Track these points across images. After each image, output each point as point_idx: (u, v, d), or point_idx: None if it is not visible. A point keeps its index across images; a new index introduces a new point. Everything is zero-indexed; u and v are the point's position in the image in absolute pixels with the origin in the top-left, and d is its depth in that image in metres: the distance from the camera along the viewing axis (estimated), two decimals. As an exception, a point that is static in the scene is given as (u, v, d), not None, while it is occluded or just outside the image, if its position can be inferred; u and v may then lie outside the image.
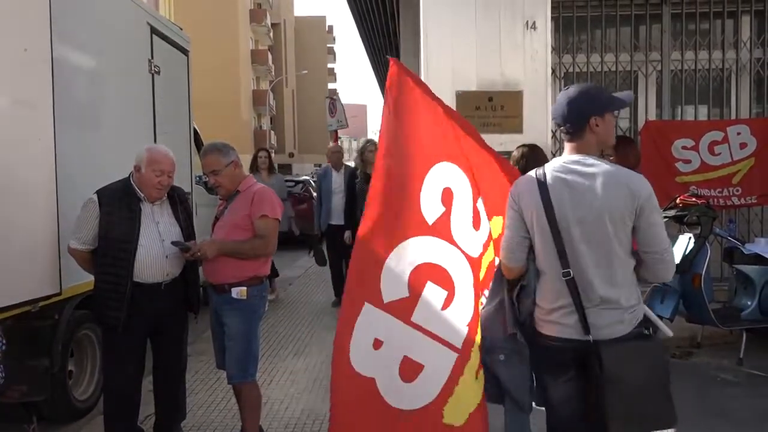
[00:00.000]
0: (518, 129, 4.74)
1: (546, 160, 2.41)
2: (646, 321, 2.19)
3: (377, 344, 2.19)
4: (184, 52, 6.00)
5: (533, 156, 3.87)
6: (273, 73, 48.04)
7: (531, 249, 2.23)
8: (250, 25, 42.89)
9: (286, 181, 9.58)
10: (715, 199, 5.45)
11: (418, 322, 2.22)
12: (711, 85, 6.26)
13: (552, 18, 5.21)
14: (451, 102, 4.75)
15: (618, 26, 6.11)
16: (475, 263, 2.35)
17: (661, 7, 6.11)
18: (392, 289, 2.20)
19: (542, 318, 2.21)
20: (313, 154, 53.49)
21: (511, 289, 2.31)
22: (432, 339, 2.23)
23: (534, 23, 4.72)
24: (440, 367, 2.23)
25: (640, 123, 6.07)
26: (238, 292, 3.12)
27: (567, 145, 2.24)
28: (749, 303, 4.77)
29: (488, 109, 4.75)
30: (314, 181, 11.57)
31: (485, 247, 2.40)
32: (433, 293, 2.24)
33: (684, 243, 4.59)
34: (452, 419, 2.19)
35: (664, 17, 6.13)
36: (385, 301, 2.20)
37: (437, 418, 2.19)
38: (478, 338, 2.31)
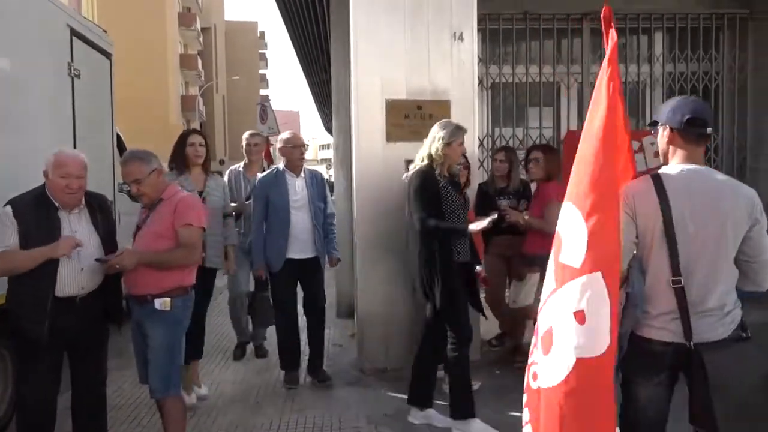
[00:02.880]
0: (446, 137, 4.82)
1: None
2: (743, 324, 2.23)
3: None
4: (107, 55, 5.80)
5: (552, 157, 3.94)
6: (203, 79, 47.01)
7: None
8: (178, 29, 41.84)
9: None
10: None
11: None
12: (628, 97, 6.59)
13: (479, 30, 5.35)
14: (380, 109, 4.80)
15: (541, 39, 6.35)
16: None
17: (581, 23, 6.39)
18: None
19: (645, 322, 2.22)
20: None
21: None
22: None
23: (461, 34, 4.83)
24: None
25: (563, 132, 6.31)
26: (162, 303, 3.03)
27: (682, 152, 2.26)
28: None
29: (417, 117, 4.81)
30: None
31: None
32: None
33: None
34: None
35: (584, 32, 6.42)
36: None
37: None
38: None
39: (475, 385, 4.40)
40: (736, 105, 6.59)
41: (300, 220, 4.47)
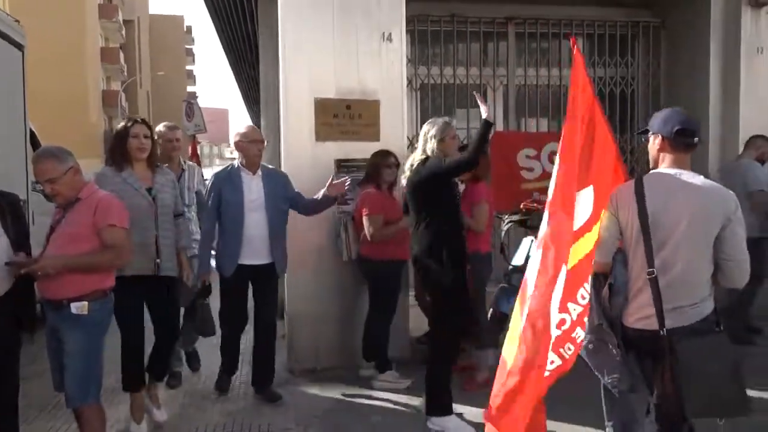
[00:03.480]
0: (375, 137, 4.84)
1: None
2: (716, 317, 2.41)
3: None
4: (19, 46, 5.50)
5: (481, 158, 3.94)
6: (126, 73, 45.28)
7: (619, 249, 2.52)
8: (99, 20, 40.11)
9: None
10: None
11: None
12: (551, 99, 6.81)
13: (408, 31, 5.40)
14: (309, 108, 4.76)
15: (468, 42, 6.46)
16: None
17: (506, 26, 6.55)
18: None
19: (626, 311, 2.50)
20: (170, 160, 50.92)
21: (599, 286, 2.56)
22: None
23: (390, 35, 4.86)
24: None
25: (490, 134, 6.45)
26: (79, 308, 2.89)
27: (669, 157, 2.49)
28: (584, 299, 5.22)
29: (346, 117, 4.81)
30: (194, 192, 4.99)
31: (579, 232, 2.47)
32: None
33: (527, 245, 4.93)
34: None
35: (509, 36, 6.59)
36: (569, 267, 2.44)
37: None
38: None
39: (406, 383, 4.46)
40: (650, 108, 6.92)
41: (255, 222, 4.09)
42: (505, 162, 5.91)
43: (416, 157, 3.82)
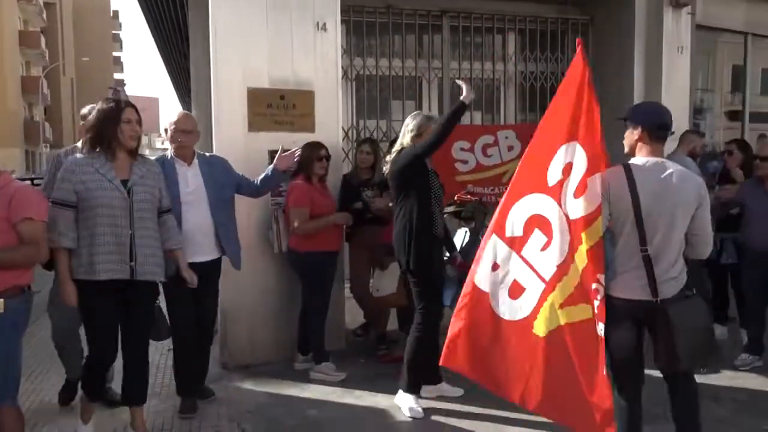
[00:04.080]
0: (310, 128, 4.79)
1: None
2: (689, 285, 2.78)
3: (495, 267, 2.93)
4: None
5: None
6: (47, 59, 43.09)
7: (607, 228, 2.76)
8: (17, 2, 37.97)
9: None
10: (488, 197, 6.02)
11: (525, 256, 2.87)
12: (484, 93, 6.92)
13: (343, 21, 5.35)
14: (242, 98, 4.66)
15: (404, 34, 6.47)
16: (572, 223, 2.78)
17: (441, 19, 6.60)
18: (513, 227, 2.90)
19: (612, 284, 2.74)
20: (97, 150, 48.87)
21: None
22: (532, 270, 2.87)
23: (324, 25, 4.81)
24: (534, 292, 2.86)
25: (425, 126, 6.50)
26: (-6, 306, 2.73)
27: (648, 147, 2.81)
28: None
29: (280, 107, 4.73)
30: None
31: (591, 217, 2.73)
32: (538, 237, 2.86)
33: (461, 236, 5.01)
34: (538, 331, 2.84)
35: (444, 28, 6.63)
36: (507, 235, 2.90)
37: (528, 329, 2.85)
38: (565, 278, 2.79)
39: (341, 376, 4.45)
40: (578, 103, 7.14)
41: (195, 216, 3.78)
42: (441, 154, 5.94)
43: (396, 148, 4.00)
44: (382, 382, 4.35)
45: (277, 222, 4.60)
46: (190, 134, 3.88)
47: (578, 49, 2.93)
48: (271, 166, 4.06)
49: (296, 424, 3.76)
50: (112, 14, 62.13)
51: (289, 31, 4.73)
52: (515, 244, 2.90)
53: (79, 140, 3.89)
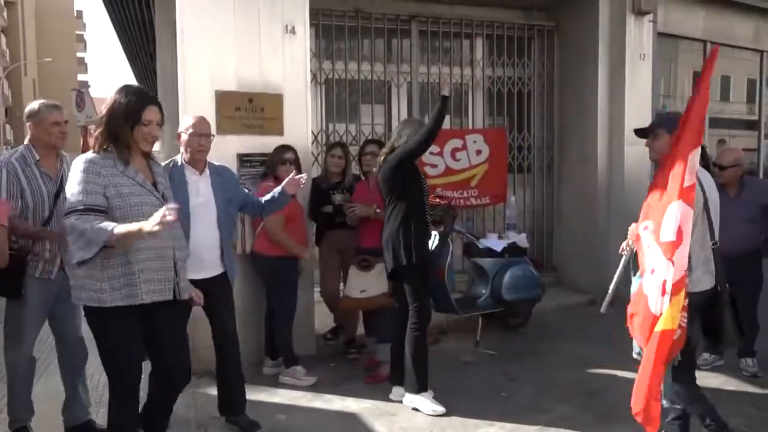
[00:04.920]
0: (279, 131, 4.77)
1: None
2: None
3: (652, 271, 2.91)
4: None
5: None
6: (8, 59, 42.06)
7: None
8: (-24, 1, 37.02)
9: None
10: (457, 200, 6.09)
11: (674, 260, 2.84)
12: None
13: (312, 25, 5.36)
14: (210, 101, 4.62)
15: (373, 38, 6.50)
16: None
17: (410, 24, 6.64)
18: (666, 232, 2.87)
19: (692, 279, 2.89)
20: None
21: None
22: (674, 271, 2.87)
23: (293, 28, 4.80)
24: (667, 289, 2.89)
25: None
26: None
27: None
28: (483, 291, 5.42)
29: (249, 110, 4.71)
30: None
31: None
32: (683, 245, 2.87)
33: (430, 240, 5.04)
34: (660, 327, 2.86)
35: (412, 33, 6.68)
36: (661, 240, 2.88)
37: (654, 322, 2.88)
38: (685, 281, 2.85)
39: (311, 380, 4.43)
40: (545, 108, 7.27)
41: (203, 229, 3.47)
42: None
43: (384, 150, 4.12)
44: (352, 386, 4.35)
45: (243, 223, 4.56)
46: (209, 138, 3.61)
47: (713, 53, 3.01)
48: (278, 189, 3.69)
49: (265, 429, 3.73)
50: (75, 14, 60.90)
51: (257, 33, 4.71)
52: (668, 248, 2.88)
53: (26, 141, 3.45)
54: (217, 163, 3.75)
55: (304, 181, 3.70)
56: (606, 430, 3.65)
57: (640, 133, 3.28)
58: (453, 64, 6.87)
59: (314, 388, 4.34)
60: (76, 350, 3.65)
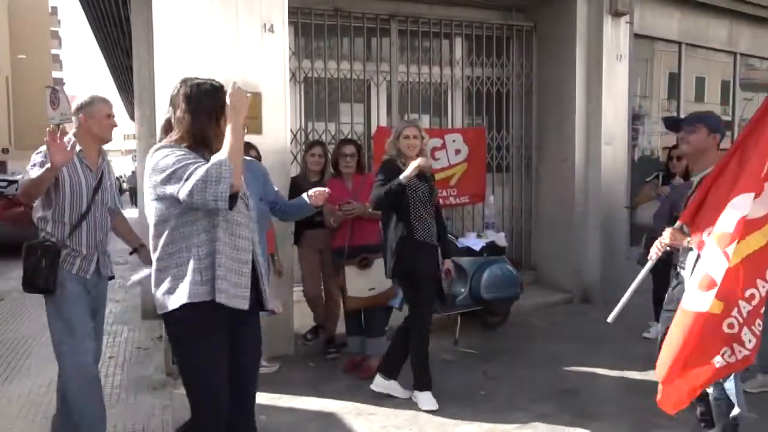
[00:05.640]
0: (258, 130, 4.72)
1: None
2: None
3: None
4: None
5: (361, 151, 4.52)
6: (-20, 55, 41.22)
7: None
8: (-53, -5, 36.23)
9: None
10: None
11: (728, 251, 2.69)
12: (432, 96, 7.00)
13: (291, 23, 5.33)
14: (187, 99, 4.56)
15: (352, 36, 6.48)
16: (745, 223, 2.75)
17: (389, 23, 6.64)
18: (725, 224, 2.72)
19: None
20: (32, 152, 47.01)
21: None
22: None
23: (271, 26, 4.76)
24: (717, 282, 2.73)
25: (373, 128, 6.53)
26: None
27: (718, 153, 2.98)
28: (462, 290, 5.43)
29: (227, 108, 4.66)
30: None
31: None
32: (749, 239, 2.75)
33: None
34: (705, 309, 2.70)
35: (392, 32, 6.68)
36: (716, 231, 2.72)
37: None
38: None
39: (273, 367, 4.43)
40: (523, 108, 7.31)
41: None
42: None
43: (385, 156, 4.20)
44: (331, 386, 4.34)
45: None
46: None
47: None
48: (305, 196, 3.40)
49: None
50: (50, 10, 59.90)
51: (235, 31, 4.67)
52: (722, 239, 2.76)
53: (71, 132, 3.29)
54: (248, 158, 3.61)
55: (328, 194, 3.43)
56: (584, 427, 3.68)
57: (671, 124, 3.31)
58: (432, 63, 6.89)
59: (293, 389, 4.32)
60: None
